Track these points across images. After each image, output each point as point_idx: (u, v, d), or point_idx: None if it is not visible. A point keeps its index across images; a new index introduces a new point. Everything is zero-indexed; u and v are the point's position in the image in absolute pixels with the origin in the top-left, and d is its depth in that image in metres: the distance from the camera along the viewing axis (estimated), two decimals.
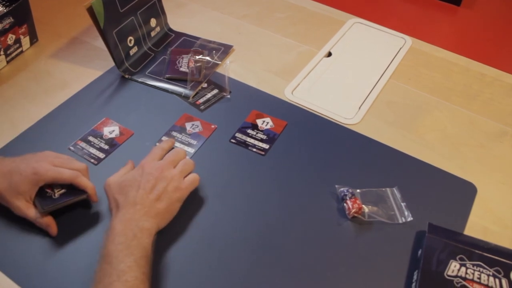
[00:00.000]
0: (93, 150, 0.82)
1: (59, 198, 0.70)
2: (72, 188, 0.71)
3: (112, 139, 0.85)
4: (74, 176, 0.70)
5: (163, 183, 0.69)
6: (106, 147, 0.83)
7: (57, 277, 0.66)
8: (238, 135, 0.86)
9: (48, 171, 0.69)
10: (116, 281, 0.58)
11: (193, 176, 0.74)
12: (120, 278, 0.58)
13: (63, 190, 0.71)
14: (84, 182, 0.71)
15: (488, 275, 0.65)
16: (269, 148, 0.84)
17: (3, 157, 0.72)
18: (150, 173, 0.70)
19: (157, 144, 0.82)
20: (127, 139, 0.85)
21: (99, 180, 0.73)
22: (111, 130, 0.86)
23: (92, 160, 0.81)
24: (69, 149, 0.83)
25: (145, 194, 0.68)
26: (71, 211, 0.73)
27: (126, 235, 0.63)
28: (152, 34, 1.04)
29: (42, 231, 0.70)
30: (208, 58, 1.01)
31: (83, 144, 0.83)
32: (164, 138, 0.85)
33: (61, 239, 0.70)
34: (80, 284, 0.65)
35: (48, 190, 0.70)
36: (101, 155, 0.82)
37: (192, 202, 0.76)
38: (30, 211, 0.69)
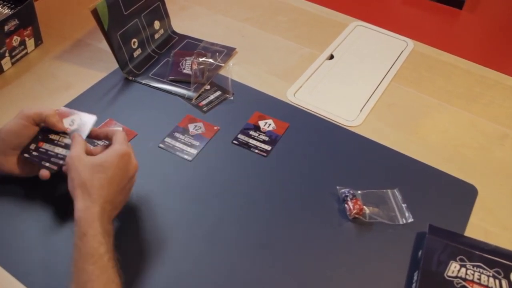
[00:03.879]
0: None
1: (44, 153, 0.72)
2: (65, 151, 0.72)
3: None
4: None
5: None
6: None
7: (60, 274, 0.67)
8: (241, 136, 0.87)
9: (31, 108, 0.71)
10: None
11: None
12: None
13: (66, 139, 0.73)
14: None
15: (488, 276, 0.66)
16: (271, 149, 0.85)
17: None
18: None
19: None
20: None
21: None
22: None
23: None
24: None
25: None
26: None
27: None
28: (156, 36, 1.05)
29: (45, 228, 0.71)
30: (211, 60, 1.02)
31: None
32: (167, 139, 0.86)
33: (64, 235, 0.71)
34: None
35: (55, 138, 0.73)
36: None
37: (194, 202, 0.77)
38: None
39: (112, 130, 0.72)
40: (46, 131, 0.73)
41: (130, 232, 0.72)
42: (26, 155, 0.72)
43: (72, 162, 0.66)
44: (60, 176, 0.78)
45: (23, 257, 0.69)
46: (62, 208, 0.73)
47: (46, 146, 0.73)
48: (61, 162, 0.72)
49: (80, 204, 0.62)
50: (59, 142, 0.73)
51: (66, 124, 0.73)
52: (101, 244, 0.60)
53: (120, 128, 0.72)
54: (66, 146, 0.73)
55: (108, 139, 0.72)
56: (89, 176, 0.64)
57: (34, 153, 0.72)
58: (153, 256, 0.69)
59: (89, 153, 0.69)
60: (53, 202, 0.75)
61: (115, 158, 0.66)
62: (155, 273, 0.67)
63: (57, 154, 0.72)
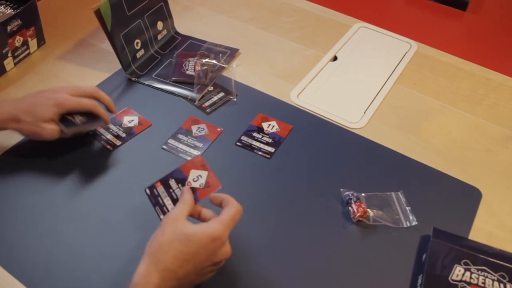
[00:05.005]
0: None
1: (80, 123, 0.77)
2: (90, 117, 0.78)
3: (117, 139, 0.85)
4: (92, 105, 0.78)
5: None
6: (111, 148, 0.84)
7: (63, 277, 0.67)
8: (244, 138, 0.87)
9: (68, 100, 0.76)
10: None
11: None
12: None
13: (83, 118, 0.78)
14: (101, 110, 0.79)
15: (493, 280, 0.65)
16: (275, 151, 0.85)
17: (10, 100, 0.77)
18: None
19: None
20: (131, 140, 0.85)
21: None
22: (115, 132, 0.87)
23: None
24: None
25: None
26: (79, 211, 0.74)
27: None
28: (159, 37, 1.05)
29: (46, 230, 0.71)
30: (214, 61, 1.01)
31: None
32: (170, 140, 0.86)
33: (68, 237, 0.71)
34: (85, 284, 0.66)
35: (69, 117, 0.77)
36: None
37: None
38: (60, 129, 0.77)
39: (228, 199, 0.64)
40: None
41: (131, 232, 0.72)
42: (148, 190, 0.67)
43: (166, 221, 0.61)
44: (62, 176, 0.78)
45: (26, 259, 0.69)
46: (65, 209, 0.73)
47: (160, 190, 0.67)
48: (161, 216, 0.66)
49: (142, 269, 0.57)
50: (172, 193, 0.66)
51: (190, 177, 0.67)
52: None
53: (239, 206, 0.63)
54: (175, 202, 0.66)
55: (221, 206, 0.64)
56: (169, 242, 0.58)
57: (154, 191, 0.66)
58: None
59: (196, 214, 0.65)
60: (56, 203, 0.75)
61: (205, 237, 0.58)
62: None
63: (163, 205, 0.66)
